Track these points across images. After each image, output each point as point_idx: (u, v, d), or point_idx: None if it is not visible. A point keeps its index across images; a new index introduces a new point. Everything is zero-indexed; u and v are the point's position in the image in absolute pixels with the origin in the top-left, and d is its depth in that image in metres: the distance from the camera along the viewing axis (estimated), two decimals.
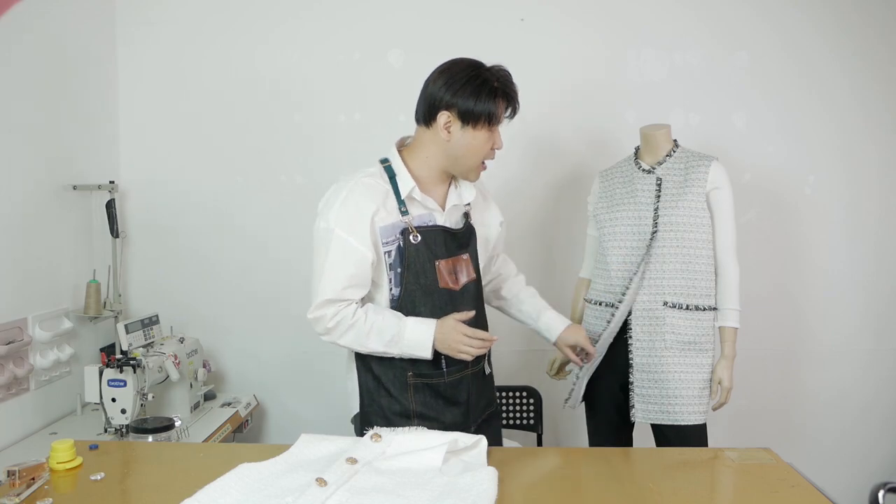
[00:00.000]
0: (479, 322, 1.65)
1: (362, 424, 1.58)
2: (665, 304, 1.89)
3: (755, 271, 2.38)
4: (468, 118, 1.52)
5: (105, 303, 2.40)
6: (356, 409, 1.63)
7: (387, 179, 1.57)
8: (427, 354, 1.52)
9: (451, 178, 1.66)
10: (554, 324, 1.82)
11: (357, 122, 2.61)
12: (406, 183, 1.56)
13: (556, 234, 2.62)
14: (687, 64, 2.56)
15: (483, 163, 1.61)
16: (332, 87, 2.60)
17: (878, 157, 2.57)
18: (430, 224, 1.58)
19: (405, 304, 1.55)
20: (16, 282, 2.07)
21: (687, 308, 1.89)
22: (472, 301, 1.64)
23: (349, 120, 2.61)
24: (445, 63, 1.59)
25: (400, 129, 2.53)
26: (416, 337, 1.52)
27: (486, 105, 1.51)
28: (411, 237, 1.53)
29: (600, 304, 2.01)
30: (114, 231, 2.45)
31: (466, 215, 1.69)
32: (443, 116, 1.53)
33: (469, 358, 1.55)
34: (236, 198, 2.64)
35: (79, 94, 2.40)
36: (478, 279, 1.68)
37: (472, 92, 1.51)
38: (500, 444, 1.81)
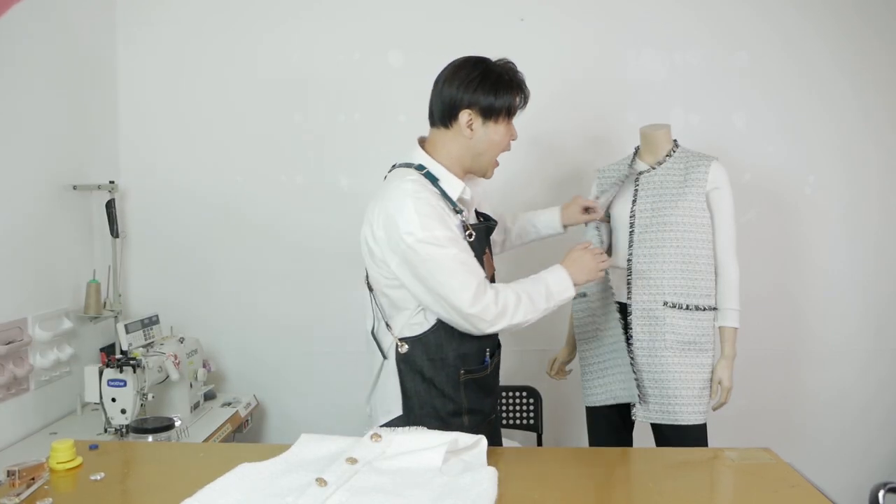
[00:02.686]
0: None
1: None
2: (665, 304, 1.89)
3: (755, 271, 2.38)
4: (490, 113, 1.56)
5: (105, 303, 2.40)
6: (391, 415, 1.59)
7: (431, 184, 1.55)
8: (572, 293, 1.60)
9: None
10: (549, 216, 1.95)
11: (357, 122, 2.61)
12: (455, 185, 1.57)
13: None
14: (687, 64, 2.56)
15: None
16: (332, 87, 2.60)
17: (878, 157, 2.58)
18: (471, 222, 1.62)
19: None
20: (16, 281, 2.07)
21: (687, 308, 1.89)
22: None
23: (349, 120, 2.61)
24: (454, 64, 1.60)
25: (400, 129, 2.56)
26: (559, 283, 1.59)
27: (506, 98, 1.56)
28: (467, 234, 1.56)
29: (580, 295, 2.04)
30: (114, 231, 2.45)
31: (478, 213, 1.72)
32: (464, 115, 1.55)
33: (604, 275, 1.75)
34: (236, 198, 2.64)
35: (79, 94, 2.40)
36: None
37: (491, 88, 1.54)
38: (500, 439, 1.82)
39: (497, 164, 1.66)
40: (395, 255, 1.49)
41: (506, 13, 2.56)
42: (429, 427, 1.46)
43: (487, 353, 1.61)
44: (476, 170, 1.64)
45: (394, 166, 1.65)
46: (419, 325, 1.55)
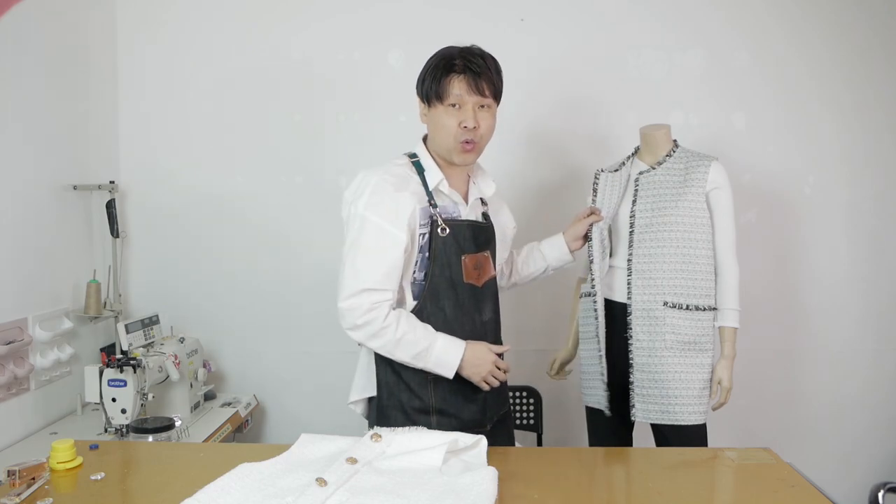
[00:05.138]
0: (494, 321, 1.69)
1: (378, 418, 1.57)
2: (665, 304, 1.89)
3: (755, 271, 2.38)
4: (426, 98, 1.59)
5: (105, 303, 2.40)
6: (366, 393, 1.62)
7: (416, 172, 1.60)
8: (449, 375, 1.53)
9: (469, 173, 1.70)
10: (552, 238, 1.93)
11: (357, 122, 2.61)
12: (434, 175, 1.59)
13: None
14: (687, 64, 2.56)
15: (465, 143, 1.56)
16: (332, 87, 2.60)
17: (877, 157, 2.57)
18: (457, 217, 1.60)
19: (430, 295, 1.55)
20: (16, 282, 2.07)
21: (687, 308, 1.89)
22: (491, 298, 1.68)
23: (349, 120, 2.61)
24: None
25: (400, 129, 2.56)
26: (443, 357, 1.52)
27: (435, 83, 1.55)
28: (439, 230, 1.55)
29: (586, 295, 2.03)
30: (114, 231, 2.45)
31: (485, 214, 1.72)
32: (419, 101, 1.62)
33: (487, 388, 1.58)
34: (236, 198, 2.64)
35: (79, 94, 2.40)
36: (495, 277, 1.70)
37: (426, 73, 1.59)
38: (512, 443, 1.83)
39: (467, 148, 1.56)
40: (346, 209, 1.58)
41: (506, 13, 2.55)
42: (395, 420, 1.52)
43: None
44: (443, 155, 1.60)
45: None
46: None
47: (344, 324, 1.52)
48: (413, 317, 1.53)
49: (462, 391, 1.59)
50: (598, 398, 1.97)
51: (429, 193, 1.57)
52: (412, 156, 1.63)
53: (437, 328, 1.54)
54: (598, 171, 2.09)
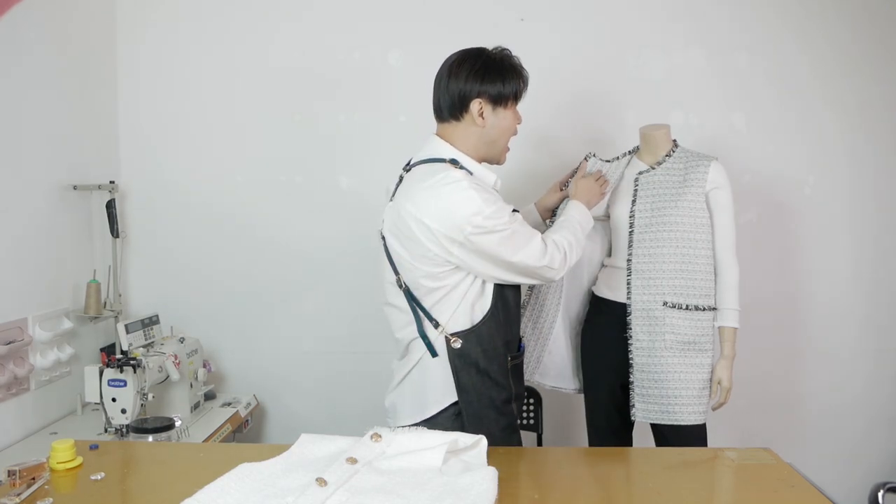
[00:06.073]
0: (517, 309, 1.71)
1: (471, 421, 1.55)
2: (665, 304, 1.89)
3: (755, 271, 2.38)
4: (499, 100, 1.60)
5: (105, 303, 2.40)
6: (446, 402, 1.58)
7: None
8: (592, 219, 1.81)
9: None
10: (527, 212, 2.02)
11: (357, 122, 2.61)
12: (488, 177, 1.63)
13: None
14: (687, 64, 2.56)
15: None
16: (332, 87, 2.60)
17: (878, 157, 2.57)
18: None
19: (498, 289, 1.60)
20: (16, 282, 2.07)
21: (686, 308, 1.89)
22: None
23: (349, 120, 2.61)
24: (455, 58, 1.62)
25: (400, 129, 2.56)
26: (584, 216, 1.78)
27: (512, 84, 1.61)
28: None
29: None
30: (114, 231, 2.45)
31: None
32: (475, 104, 1.59)
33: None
34: (236, 198, 2.64)
35: (79, 94, 2.40)
36: None
37: (497, 75, 1.59)
38: None
39: (508, 149, 1.70)
40: (455, 242, 1.49)
41: (506, 13, 2.55)
42: (488, 419, 1.52)
43: (522, 339, 1.76)
44: (490, 157, 1.67)
45: (409, 162, 1.65)
46: (471, 317, 1.56)
47: (554, 273, 1.62)
48: (549, 231, 1.69)
49: (521, 371, 1.73)
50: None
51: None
52: (453, 161, 1.57)
53: (507, 318, 1.62)
54: (588, 154, 2.05)
